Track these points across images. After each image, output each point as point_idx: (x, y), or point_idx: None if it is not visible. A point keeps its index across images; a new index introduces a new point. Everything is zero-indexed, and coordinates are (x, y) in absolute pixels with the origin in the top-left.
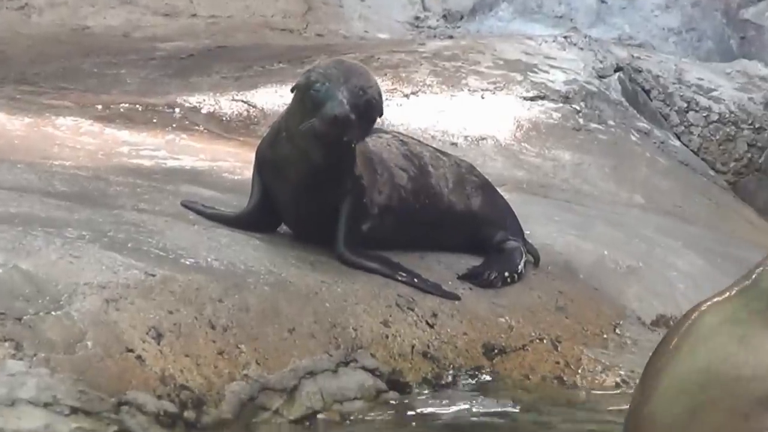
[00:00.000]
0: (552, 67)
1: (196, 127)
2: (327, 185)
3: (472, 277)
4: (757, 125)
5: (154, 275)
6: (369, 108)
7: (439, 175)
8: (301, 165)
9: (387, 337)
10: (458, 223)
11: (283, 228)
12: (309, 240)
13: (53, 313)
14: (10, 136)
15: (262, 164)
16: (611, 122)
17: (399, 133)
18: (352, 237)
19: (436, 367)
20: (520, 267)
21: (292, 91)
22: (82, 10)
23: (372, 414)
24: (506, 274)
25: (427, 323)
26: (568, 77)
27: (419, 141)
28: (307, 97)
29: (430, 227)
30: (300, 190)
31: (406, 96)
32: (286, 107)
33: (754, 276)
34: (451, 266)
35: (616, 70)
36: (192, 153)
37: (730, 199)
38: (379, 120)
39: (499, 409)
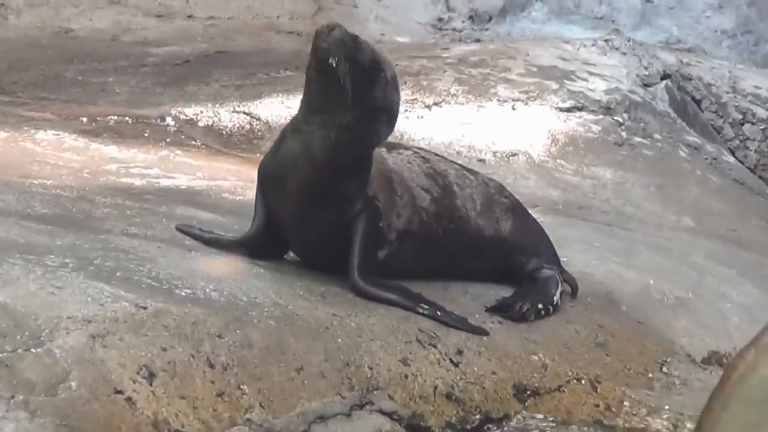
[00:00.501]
0: (591, 74)
1: (193, 142)
2: (334, 197)
3: (501, 309)
4: None
5: (145, 308)
6: (372, 64)
7: (465, 197)
8: (304, 164)
9: (406, 376)
10: (487, 250)
11: (291, 255)
12: (319, 268)
13: (33, 350)
14: None
15: (264, 178)
16: (657, 136)
17: (421, 149)
18: (367, 265)
19: (461, 410)
20: (555, 298)
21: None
22: (65, 10)
23: None
24: (540, 306)
25: (452, 361)
26: (610, 86)
27: (443, 158)
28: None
29: (454, 255)
30: (304, 200)
31: (428, 107)
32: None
33: None
34: (479, 297)
35: (663, 78)
36: (188, 171)
37: None
38: (397, 134)
39: None
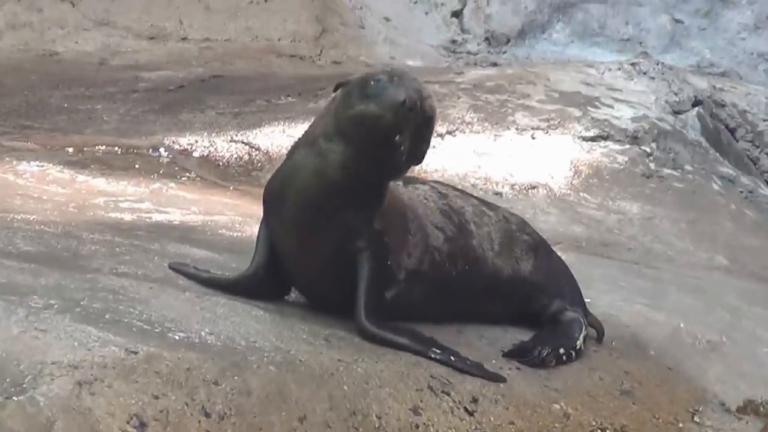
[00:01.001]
0: (617, 100)
1: (187, 174)
2: (337, 224)
3: (520, 354)
4: None
5: (136, 352)
6: (427, 120)
7: (482, 235)
8: (314, 180)
9: (417, 426)
10: (505, 292)
11: (293, 296)
12: (323, 309)
13: (15, 398)
14: None
15: (268, 195)
16: (688, 167)
17: (438, 182)
18: (374, 306)
19: None
20: (578, 342)
21: (337, 89)
22: (50, 32)
23: None
24: (562, 350)
25: (466, 410)
26: (637, 113)
27: (462, 192)
28: (362, 89)
29: (470, 297)
30: (305, 221)
31: (441, 136)
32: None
33: None
34: (496, 342)
35: (694, 105)
36: (182, 205)
37: None
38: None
39: None
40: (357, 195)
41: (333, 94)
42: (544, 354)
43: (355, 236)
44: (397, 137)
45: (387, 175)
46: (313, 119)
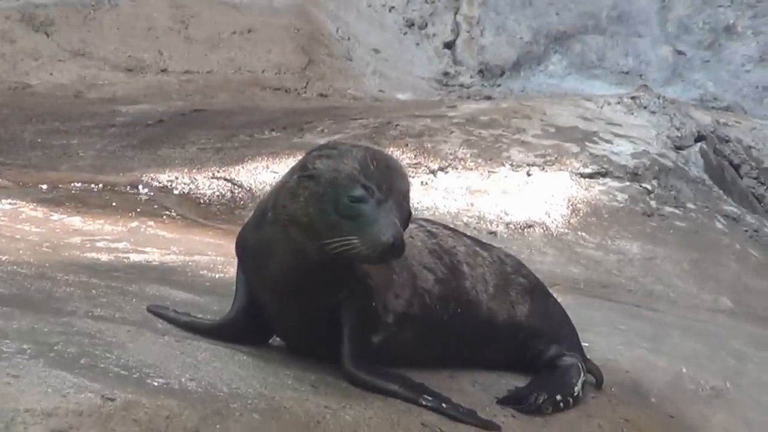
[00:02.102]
0: (616, 135)
1: (167, 212)
2: (320, 287)
3: (515, 400)
4: None
5: (113, 399)
6: (409, 216)
7: (476, 277)
8: (292, 260)
9: None
10: (500, 337)
11: (277, 339)
12: (308, 355)
13: None
14: None
15: (243, 255)
16: (691, 205)
17: (427, 221)
18: (361, 351)
19: None
20: (576, 389)
21: (304, 178)
22: (23, 63)
23: None
24: (558, 397)
25: None
26: (637, 148)
27: (454, 231)
28: (337, 202)
29: (463, 342)
30: (286, 290)
31: (433, 172)
32: (278, 181)
33: None
34: (490, 388)
35: (697, 140)
36: (161, 245)
37: None
38: None
39: None
40: (337, 269)
41: (302, 162)
42: (541, 401)
43: (339, 287)
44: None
45: None
46: (280, 183)
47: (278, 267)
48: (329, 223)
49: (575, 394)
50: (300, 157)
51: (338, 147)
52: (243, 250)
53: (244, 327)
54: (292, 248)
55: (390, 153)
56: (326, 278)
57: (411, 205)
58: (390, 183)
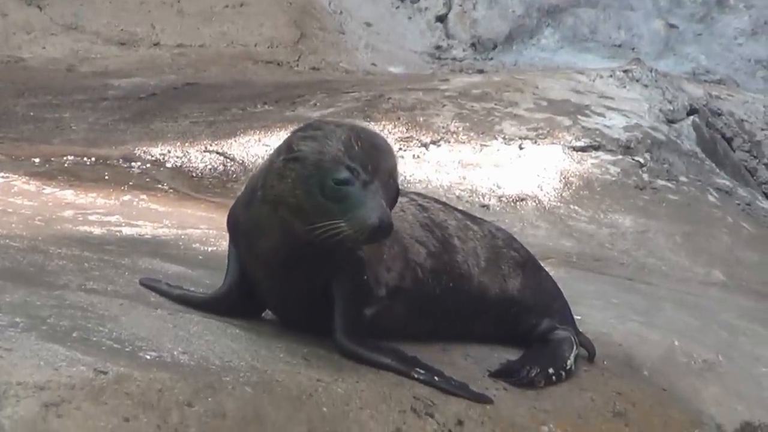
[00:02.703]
0: (609, 109)
1: (159, 186)
2: (311, 263)
3: (507, 374)
4: None
5: (105, 373)
6: (396, 195)
7: (467, 251)
8: (281, 238)
9: None
10: (492, 311)
11: (269, 313)
12: (300, 328)
13: None
14: None
15: (234, 232)
16: (683, 179)
17: (419, 194)
18: (354, 324)
19: None
20: (569, 362)
21: (289, 160)
22: (15, 37)
23: None
24: (551, 370)
25: None
26: (629, 122)
27: (445, 205)
28: (323, 184)
29: (455, 315)
30: (275, 268)
31: (425, 146)
32: (267, 159)
33: None
34: (482, 361)
35: (689, 113)
36: (154, 218)
37: None
38: None
39: None
40: (327, 247)
41: (289, 141)
42: (533, 374)
43: (329, 260)
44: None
45: None
46: (268, 162)
47: (268, 245)
48: (316, 204)
49: (568, 367)
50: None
51: (323, 127)
52: (234, 227)
53: (237, 300)
54: (281, 227)
55: (382, 127)
56: (317, 255)
57: (398, 182)
58: (375, 163)
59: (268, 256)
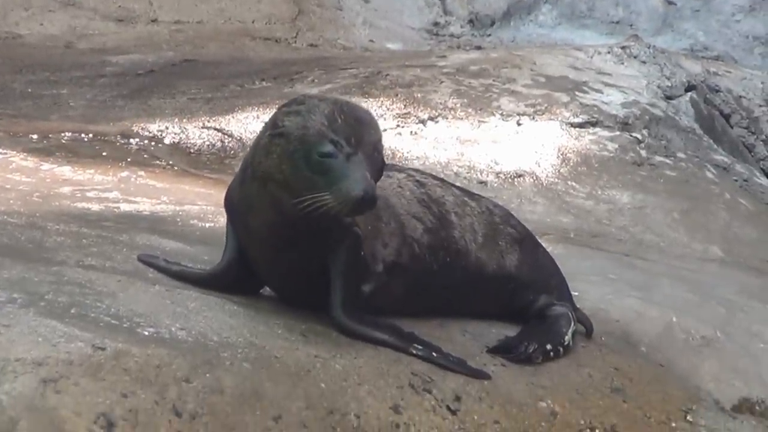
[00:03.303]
0: (607, 85)
1: (157, 162)
2: (306, 240)
3: (505, 349)
4: None
5: (103, 349)
6: (382, 167)
7: (464, 227)
8: (271, 215)
9: (398, 426)
10: (489, 287)
11: (267, 289)
12: (296, 304)
13: None
14: None
15: (230, 210)
16: (681, 155)
17: (416, 170)
18: (351, 300)
19: None
20: (567, 338)
21: (275, 136)
22: (13, 14)
23: None
24: (549, 346)
25: (449, 408)
26: (627, 98)
27: (442, 181)
28: (307, 159)
29: (452, 291)
30: (271, 245)
31: (423, 122)
32: (256, 137)
33: None
34: (480, 337)
35: (687, 90)
36: (152, 194)
37: None
38: (387, 152)
39: None
40: (319, 222)
41: (276, 116)
42: (531, 350)
43: (326, 236)
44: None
45: None
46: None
47: (261, 222)
48: (302, 179)
49: (565, 343)
50: None
51: (306, 102)
52: (230, 205)
53: (235, 277)
54: (271, 203)
55: (380, 103)
56: (311, 231)
57: (383, 155)
58: (359, 136)
59: (262, 233)
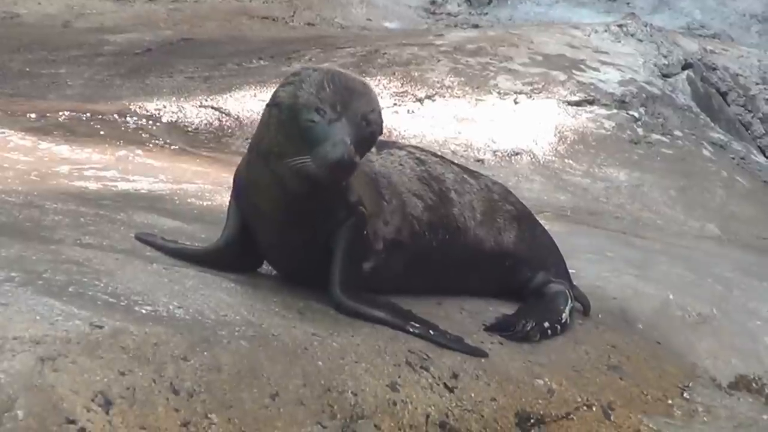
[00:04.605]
0: (604, 63)
1: (155, 141)
2: (311, 217)
3: (502, 327)
4: None
5: (101, 327)
6: (372, 138)
7: (464, 204)
8: (276, 192)
9: (395, 403)
10: (488, 264)
11: (266, 267)
12: (298, 282)
13: None
14: None
15: (237, 188)
16: (678, 133)
17: (417, 148)
18: (350, 278)
19: None
20: (564, 315)
21: (271, 107)
22: None
23: None
24: (546, 324)
25: (446, 386)
26: (624, 76)
27: (442, 158)
28: (295, 126)
29: (451, 268)
30: (278, 223)
31: (420, 100)
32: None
33: None
34: (477, 315)
35: (684, 68)
36: (149, 173)
37: None
38: (384, 131)
39: None
40: (325, 189)
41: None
42: (528, 328)
43: (332, 214)
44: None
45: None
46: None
47: (268, 201)
48: (292, 145)
49: (563, 320)
50: None
51: (301, 73)
52: (237, 186)
53: (234, 254)
54: (275, 182)
55: (377, 82)
56: (315, 208)
57: (377, 128)
58: (345, 102)
59: (269, 212)
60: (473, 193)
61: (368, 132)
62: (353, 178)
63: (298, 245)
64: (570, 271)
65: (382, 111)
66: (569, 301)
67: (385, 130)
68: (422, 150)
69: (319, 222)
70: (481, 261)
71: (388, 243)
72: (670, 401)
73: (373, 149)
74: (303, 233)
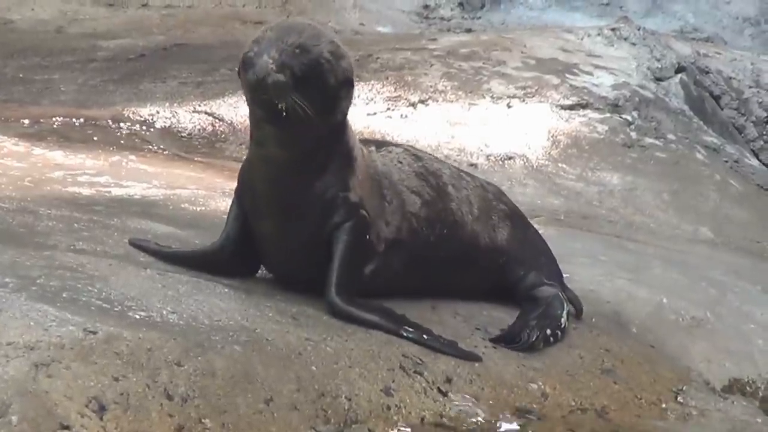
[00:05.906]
0: (597, 67)
1: (148, 146)
2: (310, 212)
3: (507, 339)
4: None
5: (95, 332)
6: (313, 69)
7: (461, 199)
8: (266, 169)
9: (389, 408)
10: (482, 260)
11: (260, 272)
12: (292, 287)
13: None
14: None
15: (240, 185)
16: (671, 136)
17: (412, 147)
18: (347, 282)
19: None
20: (563, 320)
21: (239, 72)
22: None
23: None
24: (548, 331)
25: (440, 390)
26: (617, 80)
27: (436, 158)
28: (241, 68)
29: (448, 264)
30: (277, 215)
31: (413, 105)
32: None
33: None
34: (470, 318)
35: (677, 71)
36: (143, 178)
37: None
38: (377, 136)
39: None
40: (312, 163)
41: None
42: (533, 338)
43: (332, 209)
44: (278, 104)
45: (314, 137)
46: None
47: (264, 185)
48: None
49: (562, 325)
50: None
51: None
52: (240, 180)
53: (230, 258)
54: (262, 155)
55: (370, 86)
56: (313, 201)
57: (325, 58)
58: (281, 36)
59: (267, 199)
60: (470, 188)
61: (306, 60)
62: (357, 179)
63: (297, 246)
64: (564, 275)
65: (347, 57)
66: (565, 304)
67: (378, 135)
68: (417, 149)
69: (318, 220)
70: (476, 257)
71: (389, 243)
72: (664, 405)
73: (373, 148)
74: (302, 233)
